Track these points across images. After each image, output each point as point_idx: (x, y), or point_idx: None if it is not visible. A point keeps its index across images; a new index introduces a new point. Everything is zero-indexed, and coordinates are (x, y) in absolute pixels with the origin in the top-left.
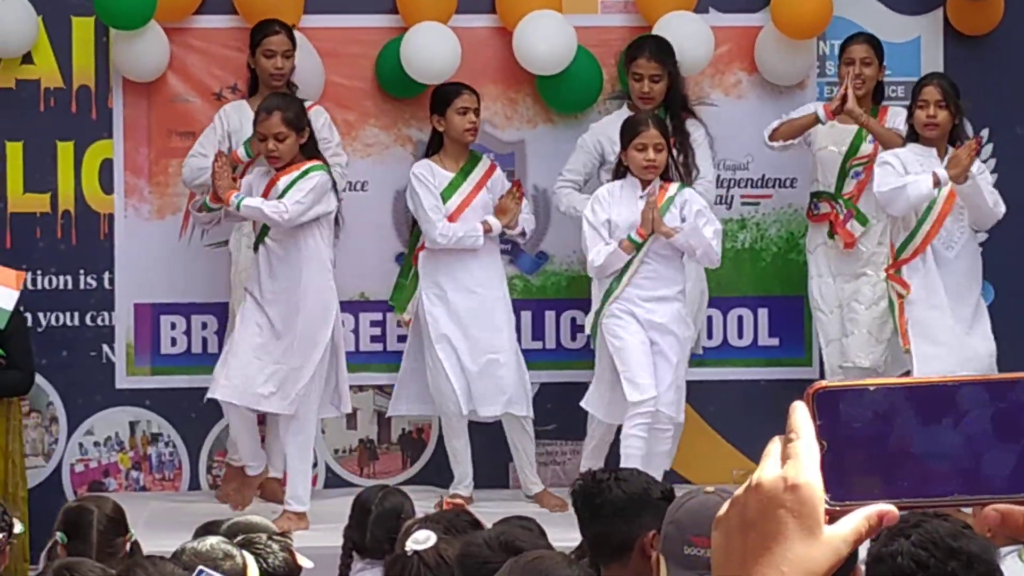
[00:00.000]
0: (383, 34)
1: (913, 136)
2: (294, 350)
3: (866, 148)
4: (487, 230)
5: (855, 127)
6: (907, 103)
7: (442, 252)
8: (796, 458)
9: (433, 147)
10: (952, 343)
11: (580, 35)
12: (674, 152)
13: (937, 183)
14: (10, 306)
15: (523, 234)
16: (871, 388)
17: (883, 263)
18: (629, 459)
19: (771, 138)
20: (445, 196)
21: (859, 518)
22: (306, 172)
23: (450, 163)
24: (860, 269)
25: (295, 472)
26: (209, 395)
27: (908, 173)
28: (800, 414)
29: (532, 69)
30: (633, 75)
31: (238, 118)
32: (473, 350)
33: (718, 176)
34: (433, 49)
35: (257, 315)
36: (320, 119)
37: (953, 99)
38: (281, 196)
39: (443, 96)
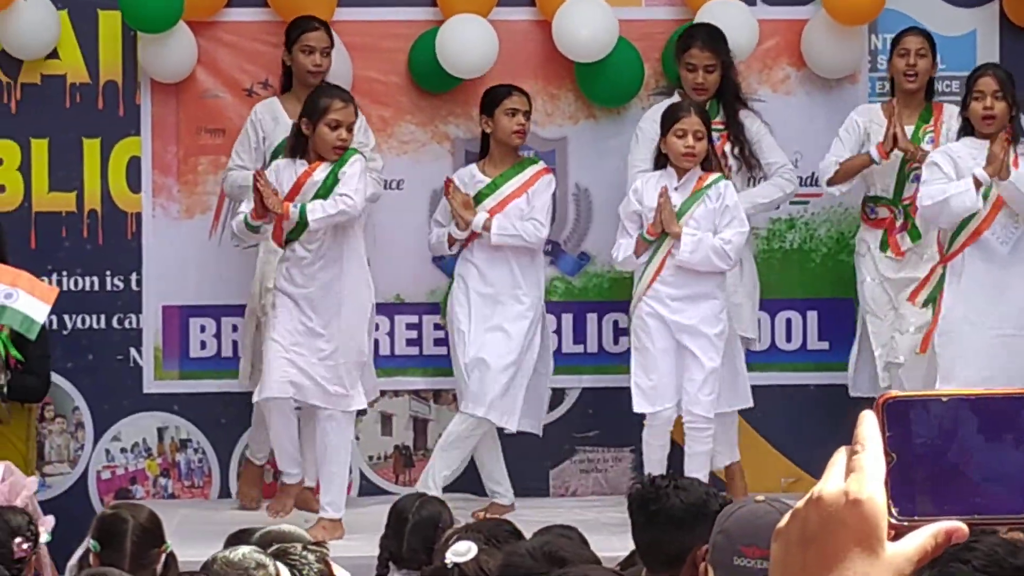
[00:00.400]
0: (419, 27)
1: (968, 130)
2: (336, 347)
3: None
4: (451, 242)
5: (911, 128)
6: (965, 87)
7: (476, 254)
8: (860, 471)
9: (482, 150)
10: (985, 352)
11: (623, 28)
12: (728, 144)
13: (979, 185)
14: (43, 319)
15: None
16: (943, 399)
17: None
18: (649, 465)
19: (830, 183)
20: (480, 198)
21: (925, 535)
22: (345, 159)
23: (493, 168)
24: (911, 274)
25: (332, 476)
26: (257, 398)
27: (959, 171)
28: (868, 424)
29: (571, 55)
30: (686, 65)
31: (271, 118)
32: (472, 346)
33: (761, 177)
34: (469, 43)
35: (295, 313)
36: (358, 121)
37: (1010, 90)
38: (324, 189)
39: (492, 97)
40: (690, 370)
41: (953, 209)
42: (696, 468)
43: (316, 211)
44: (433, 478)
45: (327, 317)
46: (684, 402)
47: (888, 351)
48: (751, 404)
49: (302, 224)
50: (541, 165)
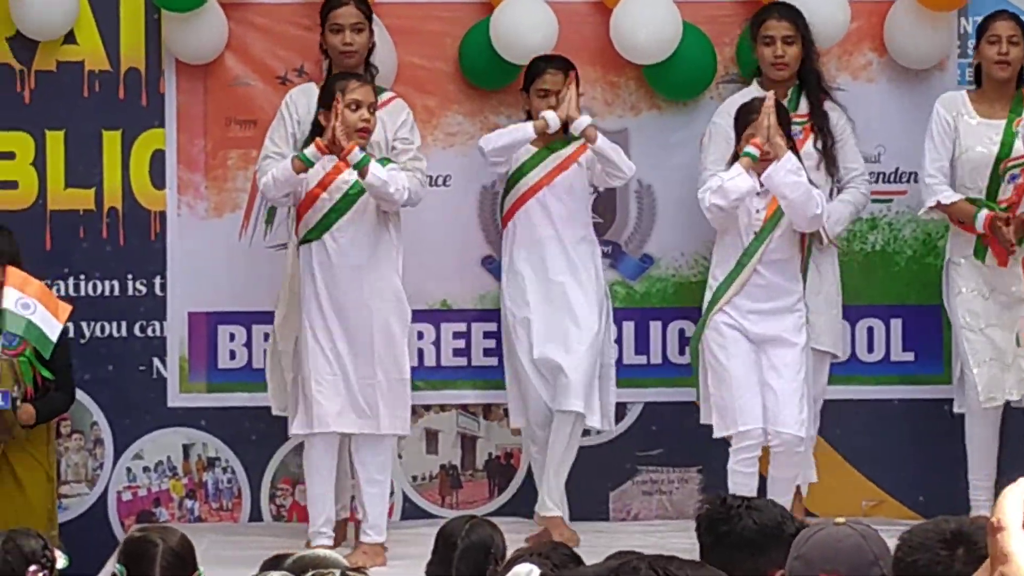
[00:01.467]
0: (467, 10)
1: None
2: (373, 362)
3: (1020, 148)
4: (541, 128)
5: (1002, 122)
6: None
7: (521, 238)
8: (1010, 560)
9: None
10: None
11: (690, 12)
12: (811, 138)
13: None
14: (55, 337)
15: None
16: None
17: None
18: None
19: (930, 210)
20: (525, 170)
21: None
22: (382, 165)
23: (543, 138)
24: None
25: (374, 497)
26: (294, 431)
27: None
28: (1010, 503)
29: (633, 59)
30: (763, 39)
31: (307, 103)
32: (547, 339)
33: (837, 179)
34: (527, 25)
35: (323, 327)
36: (400, 115)
37: None
38: (354, 191)
39: (529, 72)
40: (773, 385)
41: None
42: (778, 494)
43: (378, 170)
44: (551, 496)
45: (358, 327)
46: (772, 423)
47: (994, 386)
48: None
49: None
50: (581, 142)
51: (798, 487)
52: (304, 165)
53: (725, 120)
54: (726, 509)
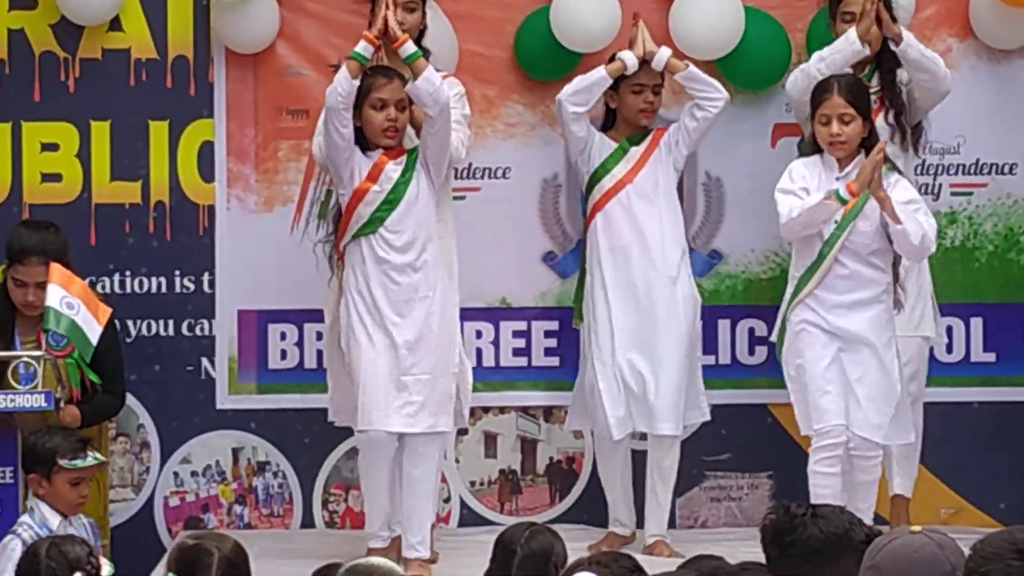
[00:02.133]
0: None
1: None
2: (422, 358)
3: None
4: (618, 69)
5: None
6: None
7: (605, 238)
8: None
9: (607, 124)
10: None
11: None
12: (883, 112)
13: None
14: (95, 341)
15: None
16: None
17: None
18: (818, 500)
19: None
20: (608, 166)
21: None
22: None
23: (619, 134)
24: None
25: (417, 511)
26: (361, 427)
27: None
28: None
29: (695, 56)
30: (843, 16)
31: None
32: (632, 348)
33: (923, 161)
34: (588, 10)
35: (374, 323)
36: (454, 89)
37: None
38: (396, 192)
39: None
40: (852, 386)
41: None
42: (860, 500)
43: (433, 74)
44: (656, 519)
45: (413, 322)
46: (849, 423)
47: None
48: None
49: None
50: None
51: (895, 497)
52: (360, 64)
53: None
54: (790, 518)
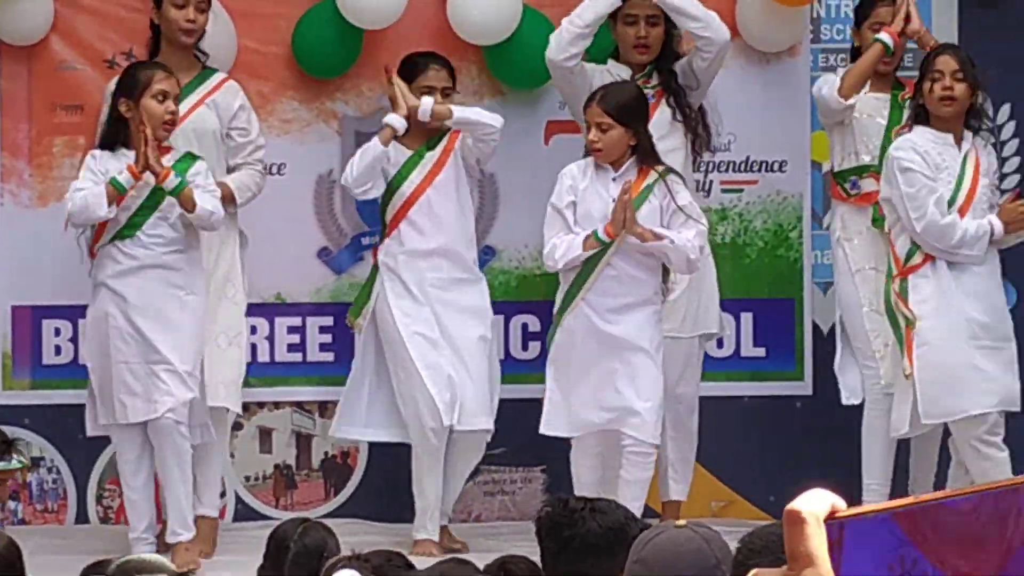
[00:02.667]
0: None
1: (922, 117)
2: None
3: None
4: (388, 136)
5: (888, 96)
6: (919, 70)
7: (406, 244)
8: (815, 562)
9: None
10: (967, 376)
11: None
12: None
13: (992, 234)
14: None
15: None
16: (881, 515)
17: None
18: (581, 486)
19: (844, 96)
20: (405, 173)
21: None
22: (188, 165)
23: (412, 141)
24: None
25: (174, 497)
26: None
27: (931, 171)
28: (812, 494)
29: (468, 38)
30: (625, 18)
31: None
32: (452, 352)
33: (694, 159)
34: None
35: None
36: (235, 101)
37: (971, 71)
38: (159, 194)
39: (408, 69)
40: (629, 387)
41: (965, 239)
42: (630, 498)
43: (204, 206)
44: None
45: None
46: (622, 424)
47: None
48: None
49: (155, 199)
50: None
51: (670, 502)
52: (117, 192)
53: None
54: (569, 512)
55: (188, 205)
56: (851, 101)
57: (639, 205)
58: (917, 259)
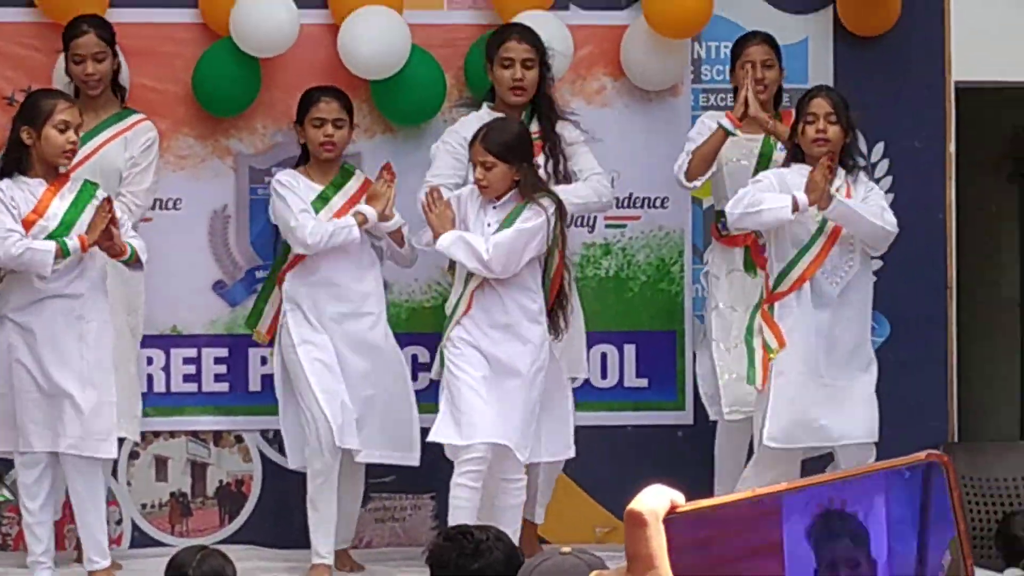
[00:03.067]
0: (196, 31)
1: (799, 156)
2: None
3: (779, 157)
4: (361, 221)
5: (760, 136)
6: (795, 111)
7: (312, 274)
8: (656, 565)
9: (301, 159)
10: (812, 401)
11: (424, 35)
12: (542, 156)
13: (796, 208)
14: None
15: (401, 238)
16: (713, 509)
17: None
18: (457, 512)
19: (689, 178)
20: (316, 209)
21: None
22: (89, 195)
23: (318, 176)
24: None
25: (89, 527)
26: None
27: (779, 191)
28: (651, 493)
29: (358, 73)
30: (502, 61)
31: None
32: (353, 381)
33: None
34: (271, 13)
35: (29, 347)
36: (140, 138)
37: (844, 113)
38: (63, 225)
39: (303, 103)
40: (506, 410)
41: (765, 221)
42: (506, 524)
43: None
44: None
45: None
46: (496, 449)
47: (737, 401)
48: (572, 454)
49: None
50: (363, 176)
51: (532, 525)
52: (63, 254)
53: (455, 138)
54: (474, 543)
55: (132, 261)
56: (696, 183)
57: (509, 224)
58: (784, 287)
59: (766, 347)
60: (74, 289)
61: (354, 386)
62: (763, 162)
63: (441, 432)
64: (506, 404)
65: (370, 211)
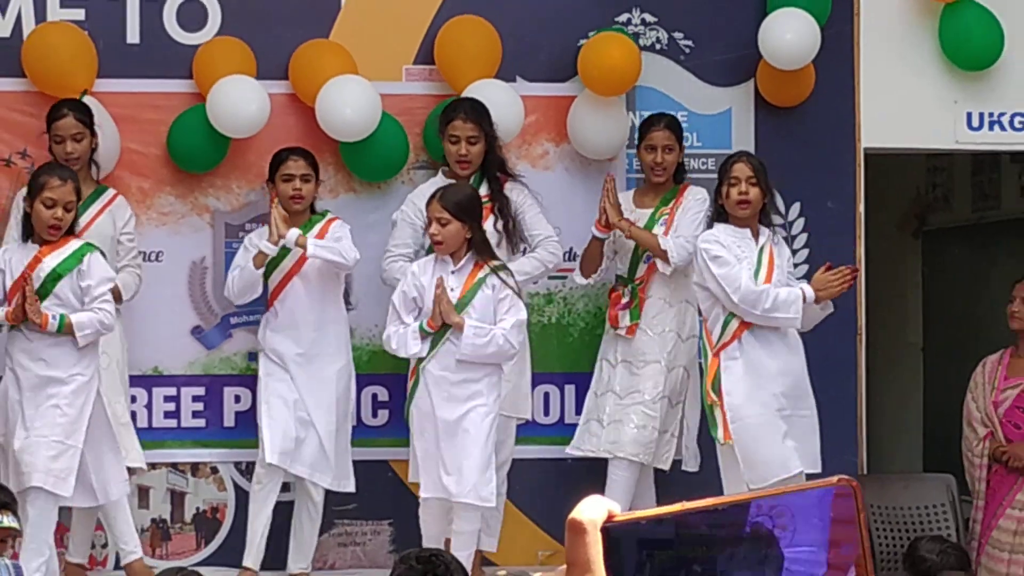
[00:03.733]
0: (178, 99)
1: (722, 216)
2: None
3: (659, 231)
4: (261, 261)
5: (649, 210)
6: (718, 175)
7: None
8: (593, 569)
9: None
10: (778, 444)
11: (384, 103)
12: (492, 218)
13: (804, 299)
14: None
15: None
16: (654, 520)
17: (671, 350)
18: (428, 539)
19: (585, 276)
20: (274, 263)
21: None
22: (81, 254)
23: (272, 203)
24: (644, 358)
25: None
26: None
27: (734, 256)
28: (590, 503)
29: (336, 136)
30: (449, 138)
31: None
32: (300, 405)
33: (524, 249)
34: (241, 99)
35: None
36: (125, 213)
37: (763, 176)
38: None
39: (274, 161)
40: (460, 454)
41: (780, 323)
42: (460, 548)
43: (84, 326)
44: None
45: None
46: (456, 484)
47: (581, 440)
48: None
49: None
50: (330, 215)
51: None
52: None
53: (410, 208)
54: (444, 565)
55: (72, 333)
56: (591, 280)
57: (474, 295)
58: (727, 336)
59: (721, 398)
60: (54, 355)
61: (312, 416)
62: (649, 224)
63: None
64: (465, 445)
65: (268, 246)
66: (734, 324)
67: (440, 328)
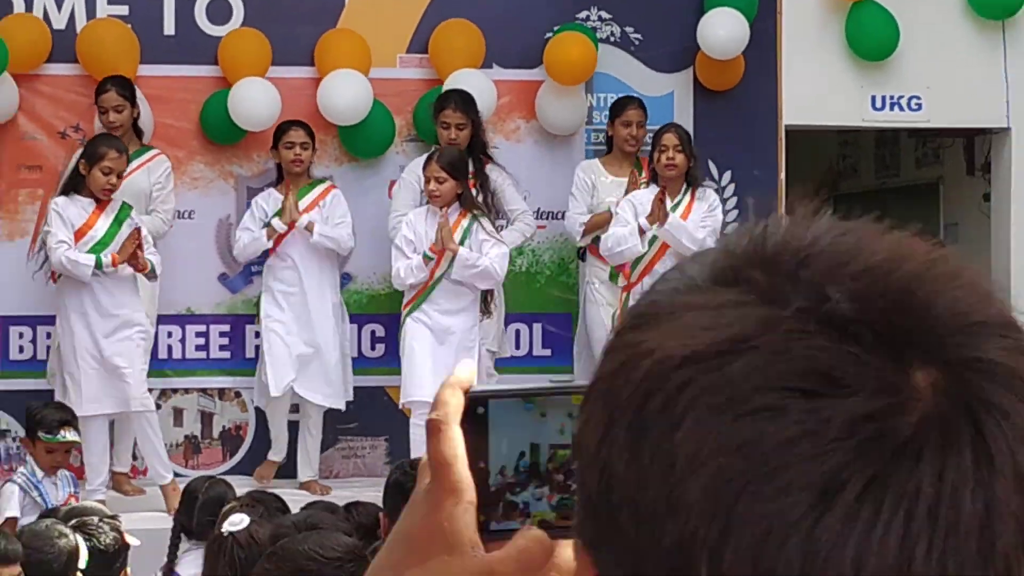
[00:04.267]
0: (205, 83)
1: (655, 178)
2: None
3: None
4: (271, 234)
5: (626, 179)
6: (651, 144)
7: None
8: (452, 467)
9: (278, 179)
10: None
11: (380, 86)
12: (475, 191)
13: (642, 232)
14: None
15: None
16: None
17: None
18: (418, 449)
19: (583, 237)
20: (280, 213)
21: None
22: (125, 215)
23: (291, 189)
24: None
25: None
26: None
27: (639, 214)
28: (447, 395)
29: (333, 121)
30: (441, 124)
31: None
32: (297, 339)
33: (504, 222)
34: (255, 101)
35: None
36: (160, 168)
37: (688, 144)
38: (105, 239)
39: (277, 132)
40: (445, 366)
41: (625, 255)
42: None
43: (157, 266)
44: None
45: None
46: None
47: None
48: None
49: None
50: (328, 183)
51: None
52: (98, 269)
53: (409, 175)
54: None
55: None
56: (588, 239)
57: (463, 241)
58: (634, 278)
59: None
60: (118, 282)
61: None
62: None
63: (404, 393)
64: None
65: (279, 224)
66: (639, 269)
67: (440, 254)
